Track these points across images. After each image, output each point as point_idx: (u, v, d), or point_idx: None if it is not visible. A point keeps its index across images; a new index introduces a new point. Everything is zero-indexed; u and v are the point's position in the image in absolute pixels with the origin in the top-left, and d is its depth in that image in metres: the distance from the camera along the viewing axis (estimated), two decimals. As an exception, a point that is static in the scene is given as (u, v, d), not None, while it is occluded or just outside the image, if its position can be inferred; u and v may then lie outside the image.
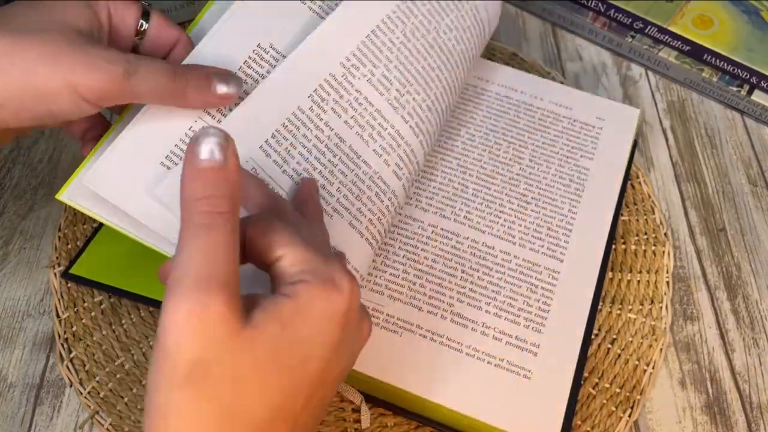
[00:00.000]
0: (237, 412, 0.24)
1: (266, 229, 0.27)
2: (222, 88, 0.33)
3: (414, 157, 0.39)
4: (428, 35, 0.40)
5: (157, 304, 0.37)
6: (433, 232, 0.41)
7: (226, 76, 0.33)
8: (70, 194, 0.32)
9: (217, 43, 0.36)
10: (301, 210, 0.32)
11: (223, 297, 0.23)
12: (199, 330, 0.23)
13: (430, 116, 0.40)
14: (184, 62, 0.35)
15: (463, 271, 0.40)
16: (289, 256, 0.27)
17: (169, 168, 0.33)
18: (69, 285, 0.42)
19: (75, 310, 0.42)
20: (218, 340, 0.23)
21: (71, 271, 0.41)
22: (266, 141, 0.34)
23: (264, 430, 0.25)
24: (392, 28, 0.39)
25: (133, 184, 0.32)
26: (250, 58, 0.36)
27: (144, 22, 0.35)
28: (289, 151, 0.35)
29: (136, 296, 0.40)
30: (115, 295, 0.42)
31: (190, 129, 0.34)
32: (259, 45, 0.37)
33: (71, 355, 0.40)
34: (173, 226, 0.29)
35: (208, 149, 0.24)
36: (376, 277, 0.40)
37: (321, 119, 0.36)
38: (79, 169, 0.33)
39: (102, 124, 0.38)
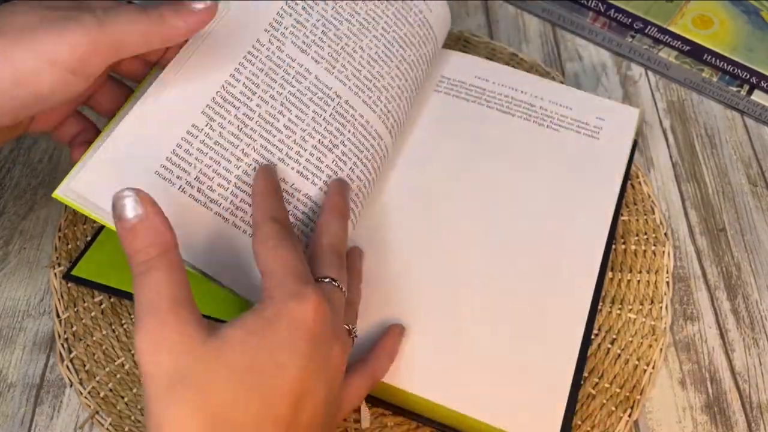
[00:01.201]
0: (222, 416, 0.25)
1: (254, 246, 0.31)
2: (197, 4, 0.31)
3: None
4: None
5: None
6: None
7: None
8: (65, 191, 0.32)
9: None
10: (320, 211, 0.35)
11: (176, 317, 0.26)
12: (165, 347, 0.25)
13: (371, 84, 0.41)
14: (178, 57, 0.35)
15: (471, 268, 0.40)
16: (265, 275, 0.29)
17: (156, 172, 0.33)
18: (69, 285, 0.42)
19: (75, 310, 0.42)
20: (185, 352, 0.25)
21: (73, 272, 0.41)
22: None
23: None
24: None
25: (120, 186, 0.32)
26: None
27: None
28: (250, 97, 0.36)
29: None
30: (116, 296, 0.42)
31: (186, 131, 0.34)
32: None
33: (71, 355, 0.40)
34: None
35: (130, 207, 0.27)
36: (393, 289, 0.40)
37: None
38: (73, 168, 0.33)
39: (91, 129, 0.38)
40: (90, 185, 0.32)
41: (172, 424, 0.25)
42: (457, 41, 0.55)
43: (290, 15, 0.39)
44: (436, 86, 0.48)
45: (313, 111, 0.38)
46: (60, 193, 0.32)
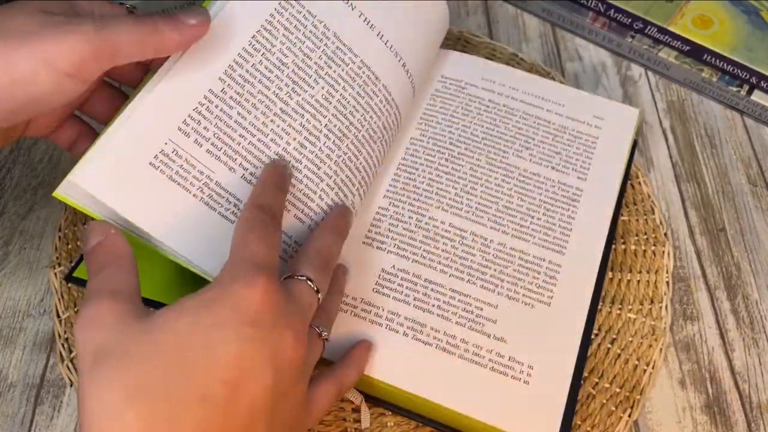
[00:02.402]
0: (144, 390, 0.25)
1: (234, 230, 0.31)
2: (191, 20, 0.32)
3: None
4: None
5: (156, 305, 0.37)
6: (439, 227, 0.41)
7: (191, 10, 0.33)
8: (65, 190, 0.32)
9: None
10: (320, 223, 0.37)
11: (113, 302, 0.27)
12: (96, 325, 0.26)
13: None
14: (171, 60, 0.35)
15: (469, 267, 0.40)
16: (229, 259, 0.29)
17: (156, 167, 0.33)
18: (69, 285, 0.42)
19: (75, 309, 0.42)
20: (115, 330, 0.26)
21: (75, 274, 0.41)
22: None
23: (179, 410, 0.25)
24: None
25: (120, 181, 0.32)
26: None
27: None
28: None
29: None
30: None
31: (182, 124, 0.34)
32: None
33: (71, 355, 0.40)
34: (159, 223, 0.33)
35: (95, 236, 0.30)
36: (376, 275, 0.40)
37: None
38: (73, 168, 0.33)
39: (89, 133, 0.38)
40: (90, 182, 0.32)
41: (93, 397, 0.25)
42: (457, 41, 0.55)
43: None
44: (435, 86, 0.48)
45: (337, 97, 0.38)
46: (60, 192, 0.32)
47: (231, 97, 0.35)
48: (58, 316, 0.42)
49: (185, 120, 0.34)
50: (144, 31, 0.31)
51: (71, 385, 0.40)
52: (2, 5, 0.31)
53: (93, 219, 0.32)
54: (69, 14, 0.31)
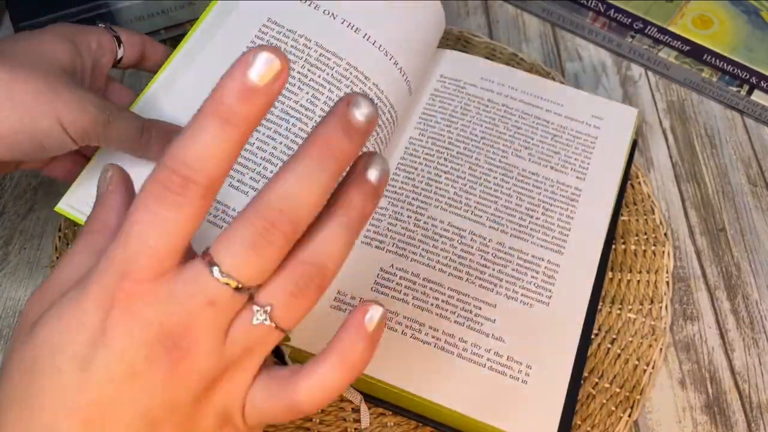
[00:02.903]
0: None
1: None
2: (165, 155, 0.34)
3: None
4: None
5: None
6: (438, 227, 0.41)
7: (173, 134, 0.36)
8: (65, 206, 0.36)
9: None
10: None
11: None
12: (46, 299, 0.23)
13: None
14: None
15: (468, 266, 0.40)
16: (119, 232, 0.23)
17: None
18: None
19: (75, 309, 0.42)
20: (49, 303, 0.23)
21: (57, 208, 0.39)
22: None
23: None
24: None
25: None
26: None
27: (119, 50, 0.38)
28: None
29: None
30: None
31: None
32: None
33: (71, 355, 0.40)
34: None
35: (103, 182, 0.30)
36: (375, 274, 0.40)
37: None
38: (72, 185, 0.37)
39: (83, 162, 0.39)
40: (86, 200, 0.35)
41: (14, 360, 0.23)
42: (457, 41, 0.55)
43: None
44: (434, 86, 0.48)
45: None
46: (62, 206, 0.36)
47: None
48: (58, 315, 0.42)
49: None
50: (137, 143, 0.35)
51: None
52: (22, 46, 0.34)
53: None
54: (77, 68, 0.35)
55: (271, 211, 0.21)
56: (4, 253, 0.45)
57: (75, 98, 0.32)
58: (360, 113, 0.21)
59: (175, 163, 0.20)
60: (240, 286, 0.21)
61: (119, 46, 0.38)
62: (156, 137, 0.35)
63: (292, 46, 0.40)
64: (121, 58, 0.39)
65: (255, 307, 0.22)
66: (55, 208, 0.36)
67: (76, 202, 0.36)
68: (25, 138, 0.32)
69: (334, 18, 0.41)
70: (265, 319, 0.22)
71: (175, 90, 0.38)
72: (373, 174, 0.22)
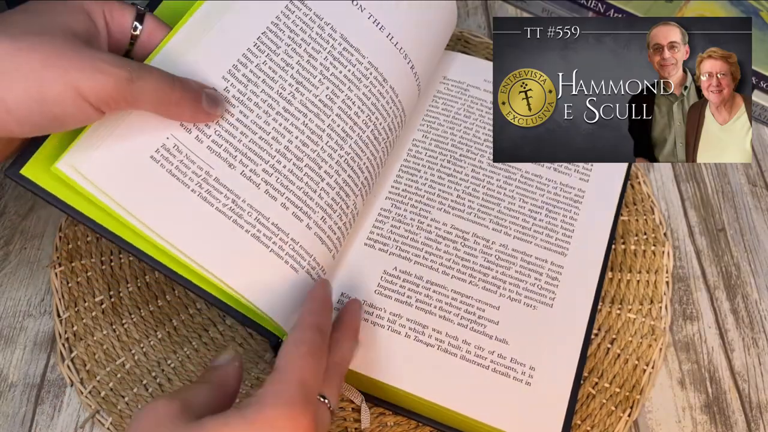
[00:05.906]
0: None
1: (286, 345, 0.31)
2: (210, 107, 0.34)
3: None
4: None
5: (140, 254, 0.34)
6: (441, 229, 0.41)
7: (214, 95, 0.34)
8: (66, 166, 0.32)
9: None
10: (335, 326, 0.35)
11: (168, 401, 0.28)
12: (149, 423, 0.28)
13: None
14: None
15: (471, 268, 0.40)
16: (277, 371, 0.29)
17: (157, 161, 0.33)
18: (70, 285, 0.42)
19: (75, 309, 0.42)
20: (162, 425, 0.27)
21: (22, 171, 0.32)
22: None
23: None
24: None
25: (122, 172, 0.33)
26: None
27: (138, 24, 0.35)
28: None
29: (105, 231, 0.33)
30: (71, 217, 0.33)
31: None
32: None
33: (72, 355, 0.40)
34: (153, 213, 0.33)
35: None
36: (378, 277, 0.40)
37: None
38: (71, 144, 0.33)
39: None
40: (92, 169, 0.32)
41: None
42: (457, 41, 0.55)
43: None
44: (438, 87, 0.48)
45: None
46: (61, 166, 0.32)
47: (234, 96, 0.36)
48: (59, 315, 0.42)
49: None
50: (168, 99, 0.32)
51: (71, 385, 0.40)
52: (28, 16, 0.31)
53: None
54: (91, 36, 0.32)
55: None
56: (4, 253, 0.45)
57: (88, 60, 0.30)
58: None
59: None
60: None
61: (141, 21, 0.35)
62: (187, 94, 0.33)
63: (317, 33, 0.39)
64: (137, 35, 0.35)
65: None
66: (52, 168, 0.32)
67: (80, 162, 0.32)
68: (35, 109, 0.29)
69: (362, 11, 0.41)
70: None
71: (192, 53, 0.36)
72: None
